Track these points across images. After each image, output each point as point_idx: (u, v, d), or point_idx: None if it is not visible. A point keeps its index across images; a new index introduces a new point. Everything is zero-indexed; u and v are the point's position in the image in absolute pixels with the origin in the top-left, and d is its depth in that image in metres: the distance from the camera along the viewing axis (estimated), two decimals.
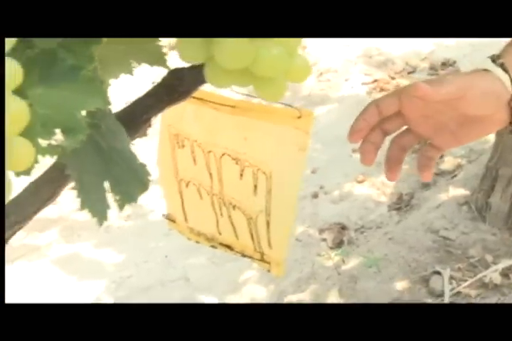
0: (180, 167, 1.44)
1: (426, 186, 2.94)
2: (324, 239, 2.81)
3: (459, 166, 3.03)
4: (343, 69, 3.83)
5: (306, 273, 2.65)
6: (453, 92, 1.16)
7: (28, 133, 0.71)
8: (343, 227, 2.84)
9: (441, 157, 3.10)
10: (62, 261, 3.01)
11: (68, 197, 3.22)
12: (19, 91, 0.71)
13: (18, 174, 0.75)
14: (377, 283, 2.47)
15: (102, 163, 0.92)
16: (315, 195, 3.05)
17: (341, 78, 3.77)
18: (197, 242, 1.55)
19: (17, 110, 0.62)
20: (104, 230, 3.01)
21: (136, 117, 1.12)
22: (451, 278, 2.42)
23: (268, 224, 1.38)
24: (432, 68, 3.70)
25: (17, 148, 0.63)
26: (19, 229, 1.09)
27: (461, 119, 1.07)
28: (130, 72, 1.08)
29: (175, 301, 2.68)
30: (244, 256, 1.46)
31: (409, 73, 3.69)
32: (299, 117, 1.28)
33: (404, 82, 3.58)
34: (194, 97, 1.28)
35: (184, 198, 1.48)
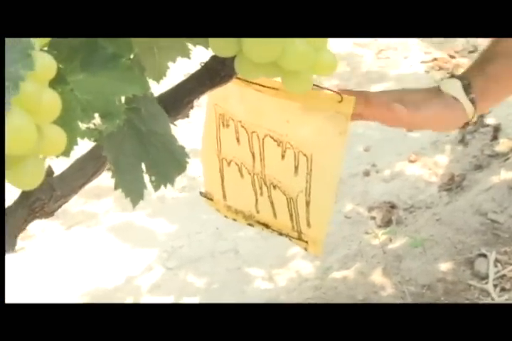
0: (224, 146, 1.46)
1: (479, 168, 2.93)
2: (373, 218, 2.82)
3: None
4: (403, 46, 3.79)
5: (353, 250, 2.67)
6: (427, 119, 1.24)
7: (68, 116, 0.78)
8: (393, 206, 2.84)
9: (496, 138, 3.09)
10: (117, 228, 3.07)
11: None
12: (60, 79, 0.76)
13: (57, 156, 0.80)
14: (421, 263, 2.48)
15: (140, 146, 0.95)
16: (366, 173, 3.05)
17: (400, 56, 3.74)
18: (234, 220, 1.55)
19: (49, 101, 0.66)
20: (158, 200, 3.04)
21: (179, 100, 1.15)
22: (497, 260, 2.43)
23: (308, 204, 1.39)
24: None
25: (49, 135, 0.67)
26: (64, 202, 1.13)
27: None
28: (187, 56, 1.09)
29: (223, 272, 2.73)
30: (281, 234, 1.47)
31: (469, 52, 3.63)
32: (340, 101, 1.26)
33: (464, 61, 3.54)
34: (239, 78, 1.30)
35: (225, 176, 1.50)
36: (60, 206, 1.13)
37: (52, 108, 0.67)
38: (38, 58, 0.66)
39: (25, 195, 1.11)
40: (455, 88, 1.30)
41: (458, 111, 1.29)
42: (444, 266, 2.45)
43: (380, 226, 2.78)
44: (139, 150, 0.95)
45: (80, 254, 2.97)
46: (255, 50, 0.85)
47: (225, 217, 1.54)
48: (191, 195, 3.12)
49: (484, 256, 2.42)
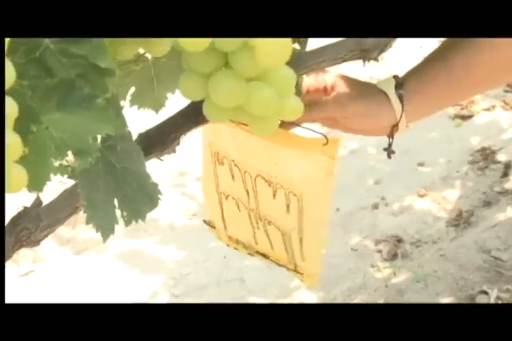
0: (221, 181, 1.49)
1: (487, 204, 2.93)
2: (380, 251, 2.83)
3: None
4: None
5: (357, 283, 2.68)
6: (357, 115, 1.34)
7: (42, 153, 0.81)
8: (399, 240, 2.85)
9: (507, 175, 3.10)
10: (125, 255, 3.09)
11: None
12: (35, 117, 0.80)
13: (29, 191, 0.83)
14: (423, 298, 2.47)
15: (114, 182, 0.98)
16: (375, 206, 3.06)
17: None
18: (235, 249, 1.60)
19: (11, 143, 0.65)
20: (168, 227, 3.07)
21: (166, 135, 1.20)
22: (498, 298, 2.40)
23: (301, 240, 1.43)
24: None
25: (11, 173, 0.66)
26: (50, 232, 1.18)
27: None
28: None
29: (228, 301, 2.73)
30: (279, 265, 1.51)
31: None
32: (325, 144, 1.29)
33: (477, 97, 3.52)
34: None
35: (224, 209, 1.53)
36: (46, 236, 1.18)
37: (14, 150, 0.66)
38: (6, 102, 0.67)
39: (12, 224, 1.15)
40: (388, 85, 1.33)
41: (385, 108, 1.32)
42: (445, 302, 2.42)
43: (385, 260, 2.78)
44: (113, 186, 0.98)
45: (88, 280, 3.00)
46: (220, 95, 0.87)
47: (227, 245, 1.60)
48: (200, 223, 3.14)
49: (486, 293, 2.41)
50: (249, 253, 1.56)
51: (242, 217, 1.50)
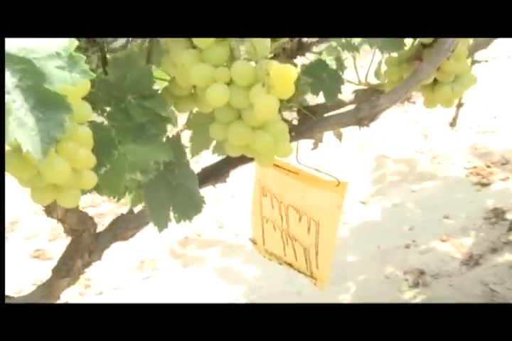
0: (264, 209, 1.53)
1: (494, 251, 2.89)
2: (406, 280, 2.82)
3: None
4: (453, 155, 3.78)
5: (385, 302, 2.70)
6: None
7: (120, 169, 0.88)
8: (422, 273, 2.84)
9: (511, 230, 3.08)
10: (219, 270, 3.13)
11: (230, 220, 3.32)
12: (115, 145, 0.86)
13: (110, 194, 0.92)
14: None
15: (169, 193, 1.03)
16: (407, 246, 3.05)
17: (449, 162, 3.73)
18: (269, 260, 1.63)
19: (86, 156, 0.77)
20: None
21: (220, 170, 1.28)
22: None
23: (317, 253, 1.46)
24: None
25: (84, 176, 0.76)
26: (136, 232, 1.26)
27: None
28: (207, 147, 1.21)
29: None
30: (299, 272, 1.55)
31: (502, 164, 3.60)
32: (337, 185, 1.32)
33: (496, 170, 3.53)
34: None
35: (264, 229, 1.57)
36: (133, 234, 1.26)
37: (87, 161, 0.76)
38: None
39: (112, 224, 1.26)
40: None
41: None
42: None
43: (410, 287, 2.78)
44: (169, 196, 1.02)
45: (189, 286, 3.05)
46: (234, 138, 0.92)
47: (264, 257, 1.65)
48: None
49: None
50: (279, 263, 1.59)
51: (276, 236, 1.54)
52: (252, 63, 0.86)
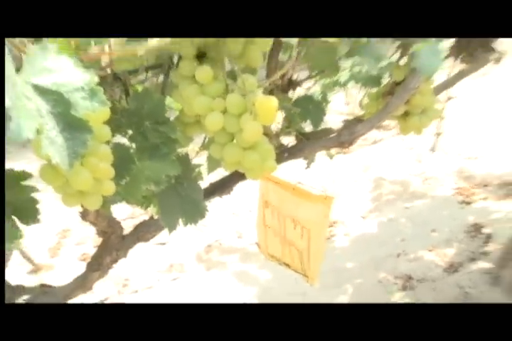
0: (266, 218, 1.57)
1: (472, 260, 2.89)
2: (396, 283, 2.82)
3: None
4: (441, 178, 3.78)
5: (376, 302, 2.71)
6: None
7: (136, 181, 0.91)
8: (410, 278, 2.84)
9: (487, 242, 3.05)
10: (237, 273, 3.17)
11: (248, 231, 3.33)
12: (133, 161, 0.90)
13: (128, 203, 0.97)
14: None
15: (179, 202, 1.05)
16: (398, 255, 3.05)
17: (438, 183, 3.73)
18: (271, 261, 1.67)
19: (106, 169, 0.82)
20: (265, 258, 3.16)
21: (225, 184, 1.31)
22: None
23: (309, 256, 1.50)
24: (500, 185, 3.61)
25: (104, 184, 0.79)
26: (155, 235, 1.28)
27: None
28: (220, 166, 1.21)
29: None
30: (295, 271, 1.58)
31: (483, 186, 3.60)
32: (325, 199, 1.36)
33: (478, 191, 3.54)
34: (273, 181, 1.45)
35: (267, 235, 1.61)
36: (152, 237, 1.30)
37: (107, 173, 0.79)
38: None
39: (136, 227, 1.29)
40: None
41: None
42: None
43: (399, 290, 2.77)
44: (178, 204, 1.04)
45: (211, 286, 3.08)
46: (228, 157, 0.93)
47: (266, 258, 1.68)
48: None
49: None
50: (279, 264, 1.63)
51: (276, 241, 1.57)
52: (242, 96, 0.90)
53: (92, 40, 0.86)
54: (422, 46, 0.98)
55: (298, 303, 2.73)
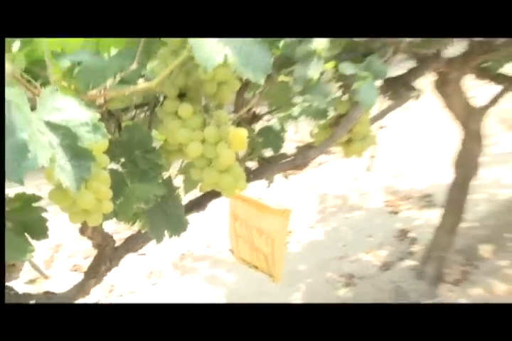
0: (236, 229, 1.56)
1: (401, 259, 2.92)
2: (340, 281, 2.84)
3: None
4: (373, 193, 3.82)
5: (324, 298, 2.72)
6: None
7: (129, 200, 0.90)
8: (352, 276, 2.85)
9: (413, 244, 3.08)
10: (207, 277, 3.12)
11: (215, 241, 3.27)
12: (124, 183, 0.89)
13: (120, 220, 0.95)
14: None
15: (165, 217, 1.03)
16: (341, 258, 3.07)
17: (371, 197, 3.77)
18: (243, 264, 1.65)
19: (107, 194, 0.81)
20: (230, 264, 3.16)
21: (201, 202, 1.30)
22: None
23: (273, 259, 1.49)
24: (420, 197, 3.65)
25: (104, 204, 0.78)
26: (143, 246, 1.26)
27: None
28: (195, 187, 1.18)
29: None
30: (263, 272, 1.56)
31: (407, 199, 3.65)
32: (284, 212, 1.37)
33: (403, 203, 3.59)
34: (240, 198, 1.45)
35: (238, 243, 1.60)
36: (140, 248, 1.28)
37: (106, 194, 0.79)
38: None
39: (127, 240, 1.27)
40: None
41: None
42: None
43: (343, 286, 2.78)
44: (164, 219, 1.02)
45: (185, 287, 3.04)
46: (206, 179, 0.93)
47: (239, 262, 1.66)
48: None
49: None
50: (249, 267, 1.62)
51: (246, 247, 1.56)
52: (218, 127, 0.90)
53: (90, 85, 0.87)
54: (363, 83, 1.01)
55: (262, 303, 2.70)
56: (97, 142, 0.70)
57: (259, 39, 0.75)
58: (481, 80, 2.27)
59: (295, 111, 1.40)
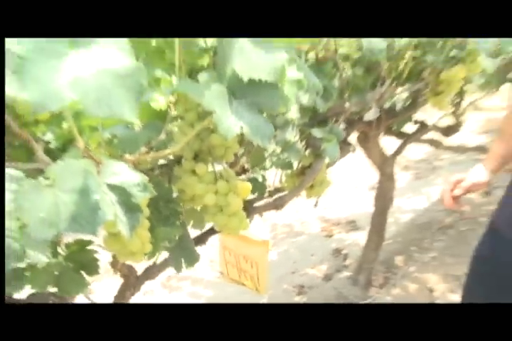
0: (226, 256, 1.51)
1: (337, 271, 2.90)
2: (294, 291, 2.77)
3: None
4: (312, 221, 3.81)
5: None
6: None
7: (156, 240, 0.85)
8: (302, 286, 2.78)
9: (345, 260, 3.10)
10: (189, 293, 2.98)
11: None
12: (154, 228, 0.87)
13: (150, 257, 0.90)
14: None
15: (181, 252, 0.99)
16: (293, 273, 3.00)
17: (311, 225, 3.76)
18: (231, 283, 1.57)
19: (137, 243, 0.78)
20: (207, 282, 3.05)
21: (202, 238, 1.26)
22: None
23: (258, 279, 1.44)
24: (347, 223, 3.63)
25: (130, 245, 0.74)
26: (158, 274, 1.20)
27: None
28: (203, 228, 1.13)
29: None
30: (249, 288, 1.50)
31: (337, 225, 3.65)
32: (263, 242, 1.35)
33: (334, 228, 3.60)
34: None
35: (227, 268, 1.54)
36: (156, 276, 1.21)
37: (147, 238, 0.75)
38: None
39: (145, 271, 1.21)
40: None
41: None
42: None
43: (297, 294, 2.72)
44: (181, 253, 0.99)
45: (170, 300, 2.91)
46: (219, 222, 0.88)
47: (228, 282, 1.59)
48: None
49: None
50: (238, 284, 1.55)
51: (234, 270, 1.50)
52: (227, 181, 0.88)
53: (127, 151, 0.84)
54: (329, 144, 1.02)
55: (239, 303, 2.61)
56: (145, 198, 0.67)
57: (264, 115, 0.75)
58: (390, 136, 2.36)
59: (267, 163, 1.40)
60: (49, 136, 0.79)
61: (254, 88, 0.72)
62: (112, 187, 0.64)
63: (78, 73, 0.47)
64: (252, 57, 0.68)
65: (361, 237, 3.14)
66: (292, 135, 1.04)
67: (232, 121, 0.69)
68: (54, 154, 0.80)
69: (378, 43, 0.88)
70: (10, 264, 0.51)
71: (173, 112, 0.87)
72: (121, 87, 0.50)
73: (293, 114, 1.04)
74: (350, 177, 4.61)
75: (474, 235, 3.14)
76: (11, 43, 0.44)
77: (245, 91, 0.72)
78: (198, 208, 1.04)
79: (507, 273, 1.19)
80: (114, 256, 1.03)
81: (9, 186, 0.58)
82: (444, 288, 2.52)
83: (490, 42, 1.41)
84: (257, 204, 1.35)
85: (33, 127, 0.75)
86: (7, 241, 0.48)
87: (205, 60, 0.87)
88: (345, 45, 1.12)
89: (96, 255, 0.82)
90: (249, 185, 0.85)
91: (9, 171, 0.60)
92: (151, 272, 1.19)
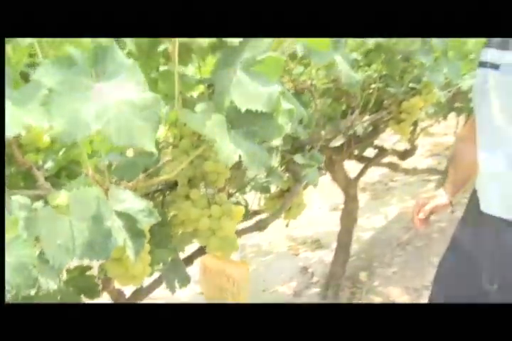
0: (207, 277, 1.45)
1: (307, 287, 2.90)
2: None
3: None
4: (280, 241, 3.80)
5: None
6: None
7: (152, 263, 0.84)
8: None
9: (312, 277, 3.11)
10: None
11: None
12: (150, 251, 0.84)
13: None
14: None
15: (174, 274, 0.97)
16: (263, 291, 2.97)
17: (278, 244, 3.75)
18: (213, 301, 1.49)
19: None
20: (193, 296, 2.96)
21: (190, 259, 1.23)
22: None
23: (239, 295, 1.40)
24: (312, 242, 3.66)
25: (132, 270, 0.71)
26: (152, 292, 1.16)
27: None
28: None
29: None
30: (232, 301, 1.43)
31: (303, 244, 3.65)
32: (243, 262, 1.35)
33: (301, 247, 3.59)
34: (210, 254, 1.38)
35: (208, 287, 1.47)
36: (145, 297, 1.17)
37: (148, 263, 0.74)
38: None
39: (135, 293, 1.16)
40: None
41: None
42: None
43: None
44: (174, 274, 0.97)
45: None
46: (212, 244, 0.88)
47: (208, 300, 1.53)
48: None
49: None
50: (222, 299, 1.50)
51: (217, 289, 1.44)
52: (220, 206, 0.88)
53: (125, 178, 0.82)
54: (310, 170, 1.03)
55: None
56: (150, 224, 0.66)
57: (261, 145, 0.76)
58: (351, 160, 2.42)
59: (247, 188, 1.40)
60: (48, 164, 0.77)
61: (251, 118, 0.73)
62: (119, 214, 0.63)
63: (102, 105, 0.47)
64: (249, 89, 0.70)
65: (326, 255, 3.16)
66: (276, 161, 1.05)
67: (231, 149, 0.70)
68: (51, 180, 0.78)
69: (354, 76, 0.92)
70: (24, 292, 0.48)
71: (169, 140, 0.87)
72: (141, 118, 0.49)
73: (277, 141, 1.05)
74: (313, 199, 4.66)
75: (429, 250, 3.23)
76: (39, 75, 0.43)
77: (242, 121, 0.73)
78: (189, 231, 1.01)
79: (468, 283, 1.22)
80: (104, 280, 0.99)
81: (18, 213, 0.55)
82: (406, 300, 2.56)
83: (441, 76, 1.49)
84: (239, 226, 1.34)
85: (35, 155, 0.73)
86: (27, 268, 0.46)
87: (199, 90, 0.87)
88: (322, 78, 1.15)
89: (96, 280, 0.79)
90: (242, 209, 0.85)
91: (17, 198, 0.57)
92: (139, 294, 1.15)
